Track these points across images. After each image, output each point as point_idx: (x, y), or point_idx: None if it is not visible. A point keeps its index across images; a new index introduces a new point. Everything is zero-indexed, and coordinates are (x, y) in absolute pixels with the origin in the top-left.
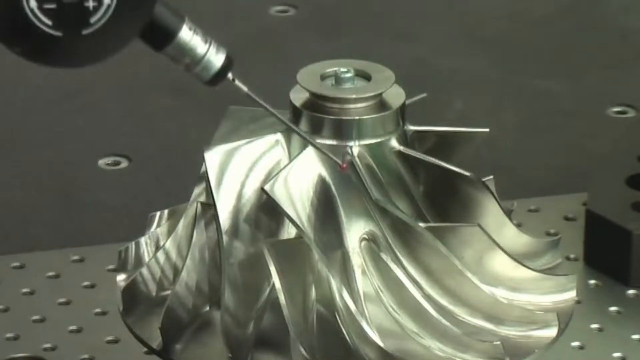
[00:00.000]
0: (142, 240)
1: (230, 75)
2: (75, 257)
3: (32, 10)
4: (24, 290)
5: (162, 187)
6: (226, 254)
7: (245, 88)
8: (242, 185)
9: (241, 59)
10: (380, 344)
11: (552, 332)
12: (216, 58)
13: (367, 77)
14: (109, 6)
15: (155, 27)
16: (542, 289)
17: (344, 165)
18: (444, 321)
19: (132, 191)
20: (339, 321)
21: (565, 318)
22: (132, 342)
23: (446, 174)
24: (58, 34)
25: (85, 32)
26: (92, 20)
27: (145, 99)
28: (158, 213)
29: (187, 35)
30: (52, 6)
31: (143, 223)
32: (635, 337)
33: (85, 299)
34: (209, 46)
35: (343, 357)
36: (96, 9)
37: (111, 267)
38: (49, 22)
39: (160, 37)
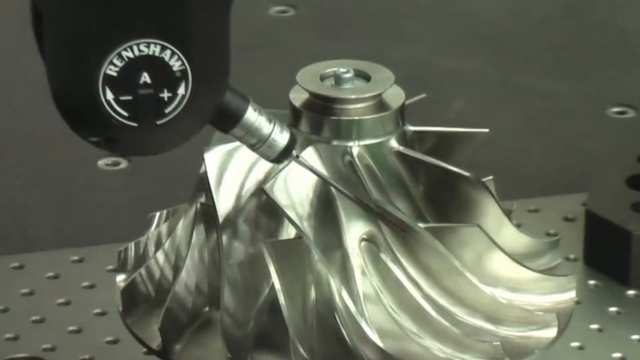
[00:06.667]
0: (142, 240)
1: (294, 153)
2: (75, 258)
3: (108, 102)
4: (24, 290)
5: (162, 187)
6: (226, 254)
7: (308, 163)
8: (242, 186)
9: (241, 59)
10: (380, 344)
11: (551, 332)
12: (281, 137)
13: (366, 78)
14: (183, 96)
15: (223, 112)
16: (542, 290)
17: None
18: (443, 321)
19: (132, 191)
20: (338, 321)
21: (564, 318)
22: (132, 342)
23: (446, 174)
24: (133, 124)
25: (159, 122)
26: (167, 110)
27: None
28: (158, 213)
29: (253, 116)
30: (128, 98)
31: (143, 223)
32: (635, 337)
33: (84, 300)
34: (274, 126)
35: (342, 358)
36: (171, 99)
37: (111, 267)
38: (125, 114)
39: (228, 120)
